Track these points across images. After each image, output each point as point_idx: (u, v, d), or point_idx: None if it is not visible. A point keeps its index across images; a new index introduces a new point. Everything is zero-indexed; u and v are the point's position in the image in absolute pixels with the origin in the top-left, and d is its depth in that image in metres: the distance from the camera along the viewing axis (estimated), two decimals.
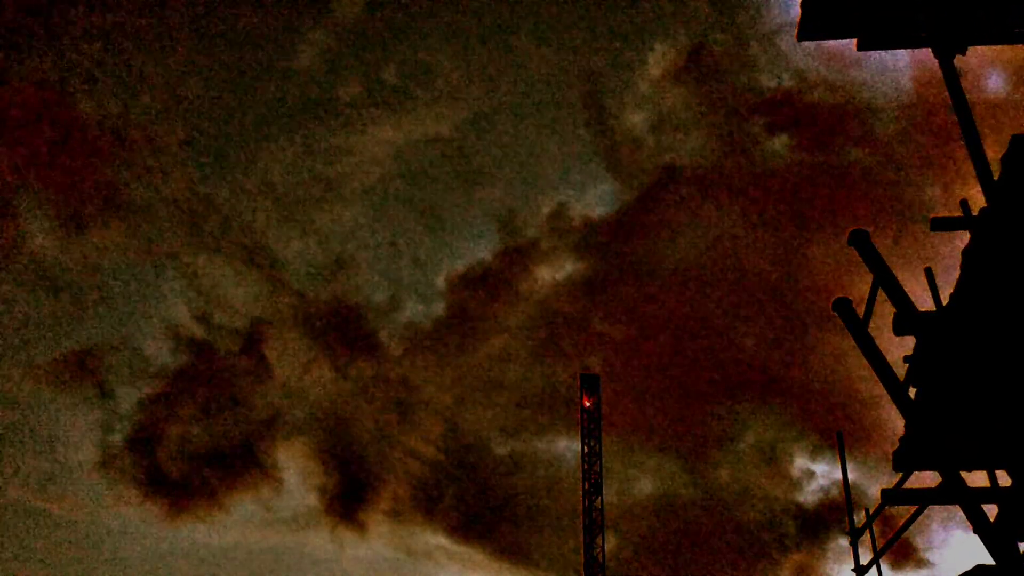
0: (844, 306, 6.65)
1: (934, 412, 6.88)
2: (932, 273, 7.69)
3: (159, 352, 56.69)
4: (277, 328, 50.85)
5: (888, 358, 6.75)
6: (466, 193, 58.42)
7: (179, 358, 49.40)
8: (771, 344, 47.19)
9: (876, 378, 6.86)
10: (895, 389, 6.67)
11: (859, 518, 9.00)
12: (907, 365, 6.91)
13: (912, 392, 6.90)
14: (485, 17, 56.88)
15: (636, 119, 54.11)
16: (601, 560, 33.71)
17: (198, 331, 49.57)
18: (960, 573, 7.61)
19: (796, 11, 6.93)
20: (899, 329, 6.48)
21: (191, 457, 46.88)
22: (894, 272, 6.38)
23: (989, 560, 7.03)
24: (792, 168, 48.61)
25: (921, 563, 38.91)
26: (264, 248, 52.26)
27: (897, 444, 7.20)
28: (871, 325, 6.75)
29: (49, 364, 47.82)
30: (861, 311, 6.85)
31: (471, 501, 47.13)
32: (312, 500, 51.39)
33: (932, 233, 6.66)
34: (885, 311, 6.61)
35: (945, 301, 6.59)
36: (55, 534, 48.90)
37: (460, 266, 56.84)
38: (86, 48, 49.54)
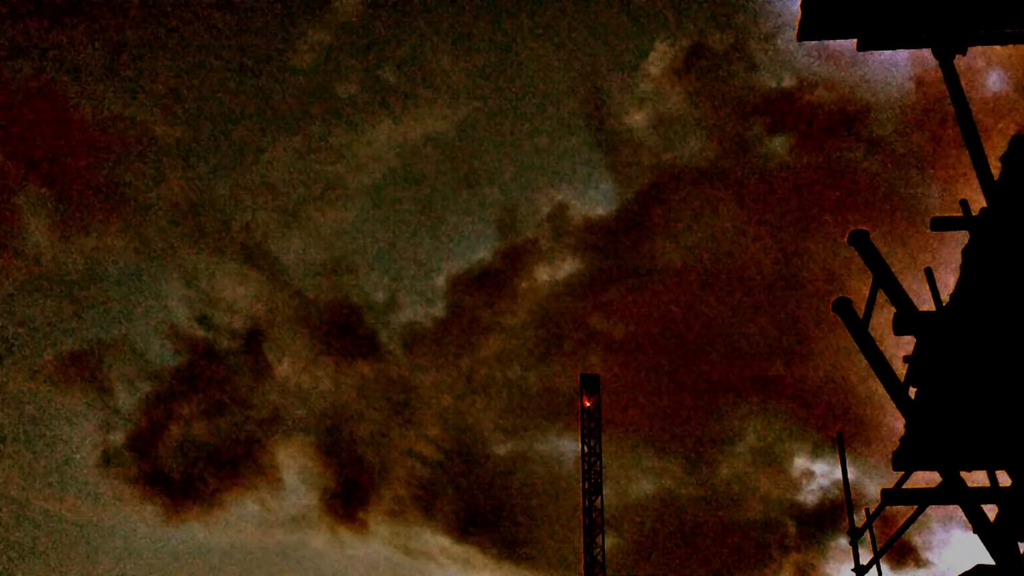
0: (844, 306, 6.65)
1: (934, 412, 6.88)
2: (932, 273, 7.69)
3: (159, 352, 56.77)
4: (277, 328, 50.88)
5: (888, 358, 6.76)
6: (466, 192, 58.45)
7: (179, 358, 49.45)
8: (771, 344, 47.19)
9: (876, 378, 6.86)
10: (895, 389, 6.67)
11: (859, 518, 9.01)
12: (907, 365, 6.91)
13: (912, 392, 6.90)
14: (485, 16, 56.90)
15: (636, 118, 54.13)
16: (601, 560, 33.72)
17: (198, 331, 49.61)
18: (960, 573, 7.61)
19: (796, 11, 6.94)
20: (899, 329, 6.48)
21: (191, 457, 46.91)
22: (894, 272, 6.39)
23: (989, 560, 7.03)
24: (792, 168, 48.63)
25: (921, 563, 38.91)
26: (264, 248, 52.28)
27: (897, 444, 7.20)
28: (871, 325, 6.75)
29: (49, 364, 47.84)
30: (861, 311, 6.85)
31: (471, 501, 47.16)
32: (312, 500, 51.38)
33: (932, 233, 6.67)
34: (885, 311, 6.61)
35: (945, 301, 6.59)
36: (55, 534, 48.92)
37: (460, 266, 56.90)
38: (86, 48, 49.56)
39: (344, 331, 50.57)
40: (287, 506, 52.90)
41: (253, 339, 50.10)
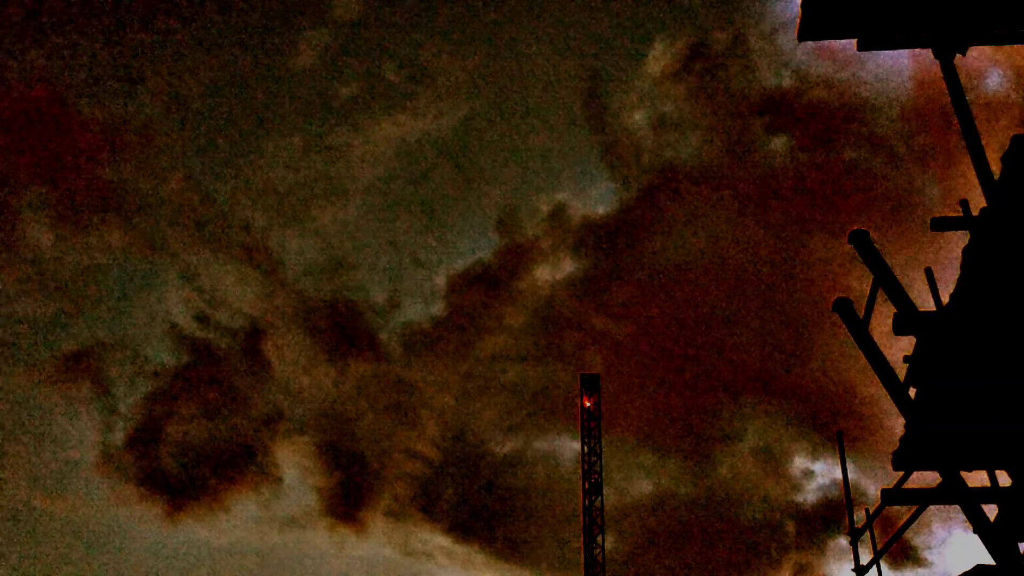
0: (844, 306, 6.65)
1: (934, 412, 6.87)
2: (932, 273, 7.69)
3: (159, 352, 56.80)
4: (277, 327, 50.90)
5: (888, 358, 6.76)
6: (466, 192, 58.47)
7: (179, 357, 49.47)
8: (771, 343, 47.21)
9: (876, 378, 6.86)
10: (895, 389, 6.68)
11: (859, 518, 9.01)
12: (907, 365, 6.91)
13: (912, 392, 6.90)
14: (484, 15, 56.94)
15: (636, 117, 54.18)
16: (601, 560, 33.73)
17: (198, 330, 49.63)
18: (960, 573, 7.61)
19: (796, 10, 6.93)
20: (899, 329, 6.48)
21: (191, 456, 46.93)
22: (894, 272, 6.39)
23: (989, 560, 7.03)
24: (792, 167, 48.66)
25: (921, 563, 38.92)
26: (263, 247, 52.30)
27: (897, 444, 7.20)
28: (871, 325, 6.75)
29: (49, 364, 47.86)
30: (861, 311, 6.85)
31: (471, 501, 47.19)
32: (312, 499, 51.44)
33: (932, 233, 6.67)
34: (885, 311, 6.62)
35: (945, 301, 6.59)
36: (55, 534, 48.94)
37: (460, 265, 56.89)
38: (86, 48, 49.58)
39: (344, 330, 50.63)
40: (287, 506, 52.98)
41: (253, 338, 50.15)
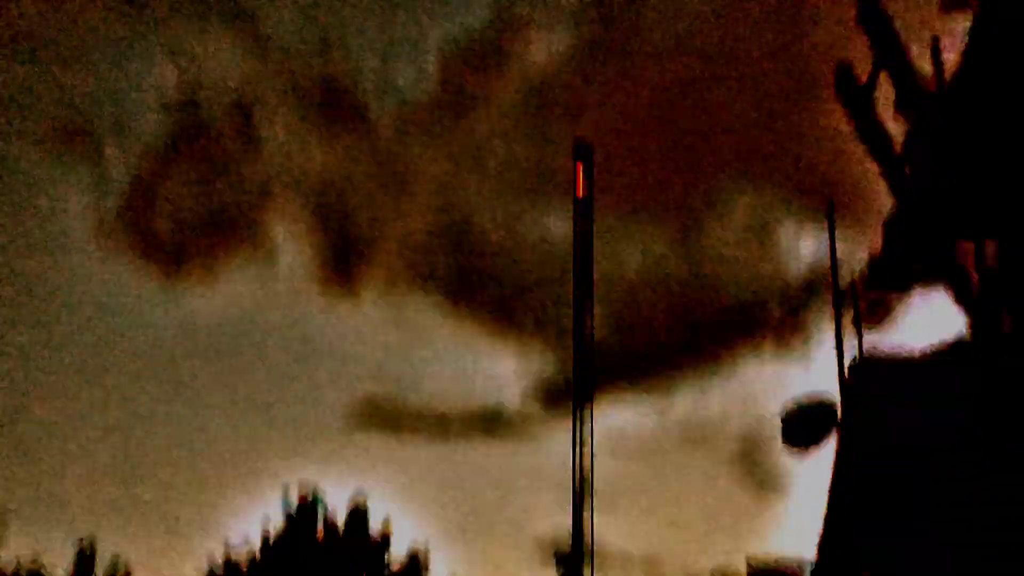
0: (844, 73, 6.44)
1: (928, 183, 6.82)
2: (938, 44, 7.46)
3: (147, 123, 56.14)
4: (266, 103, 50.05)
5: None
6: None
7: (168, 128, 48.86)
8: (766, 116, 46.71)
9: (870, 154, 6.80)
10: (889, 162, 6.62)
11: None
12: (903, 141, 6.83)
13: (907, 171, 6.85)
14: None
15: None
16: (590, 335, 34.64)
17: (186, 103, 48.81)
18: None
19: None
20: (901, 105, 6.39)
21: (184, 227, 47.22)
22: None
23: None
24: None
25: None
26: (250, 16, 50.69)
27: (888, 216, 7.13)
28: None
29: (41, 133, 47.30)
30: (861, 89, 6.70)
31: (463, 271, 48.01)
32: (306, 270, 52.21)
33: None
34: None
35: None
36: (46, 301, 49.77)
37: (453, 35, 55.32)
38: None
39: (334, 107, 49.87)
40: (281, 276, 53.81)
41: (242, 111, 49.43)
